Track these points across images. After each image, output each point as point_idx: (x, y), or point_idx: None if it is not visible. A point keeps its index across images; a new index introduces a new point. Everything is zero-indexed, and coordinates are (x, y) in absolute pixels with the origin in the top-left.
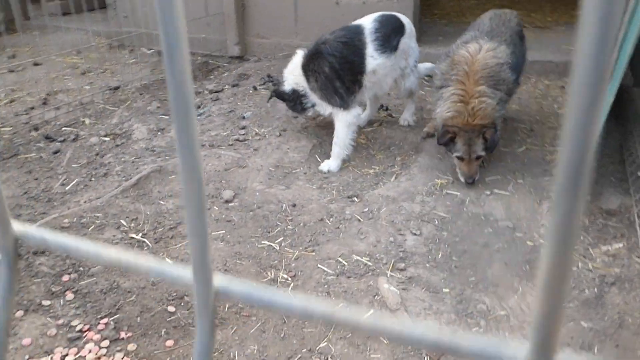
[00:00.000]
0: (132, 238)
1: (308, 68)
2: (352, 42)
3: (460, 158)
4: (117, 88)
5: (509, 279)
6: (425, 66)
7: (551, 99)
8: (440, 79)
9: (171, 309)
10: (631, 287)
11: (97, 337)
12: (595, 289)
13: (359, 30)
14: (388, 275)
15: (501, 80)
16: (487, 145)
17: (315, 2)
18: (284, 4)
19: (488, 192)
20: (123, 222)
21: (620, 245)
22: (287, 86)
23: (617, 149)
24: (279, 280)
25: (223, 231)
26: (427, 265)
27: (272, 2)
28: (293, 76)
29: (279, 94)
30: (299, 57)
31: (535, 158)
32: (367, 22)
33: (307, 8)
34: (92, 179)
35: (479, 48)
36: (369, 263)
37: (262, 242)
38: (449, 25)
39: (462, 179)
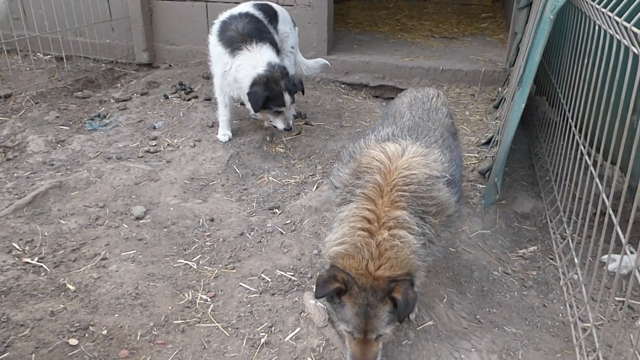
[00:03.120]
0: (27, 263)
1: None
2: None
3: (350, 333)
4: (8, 96)
5: (434, 287)
6: (317, 61)
7: (462, 107)
8: (341, 192)
9: (73, 342)
10: (548, 290)
11: None
12: (516, 293)
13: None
14: (314, 290)
15: (434, 206)
16: (396, 314)
17: (228, 8)
18: (195, 10)
19: None
20: (15, 245)
21: (535, 248)
22: None
23: (526, 154)
24: (197, 301)
25: (134, 251)
26: None
27: (182, 8)
28: None
29: None
30: None
31: None
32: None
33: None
34: None
35: (401, 151)
36: (294, 278)
37: (178, 261)
38: (363, 34)
39: None
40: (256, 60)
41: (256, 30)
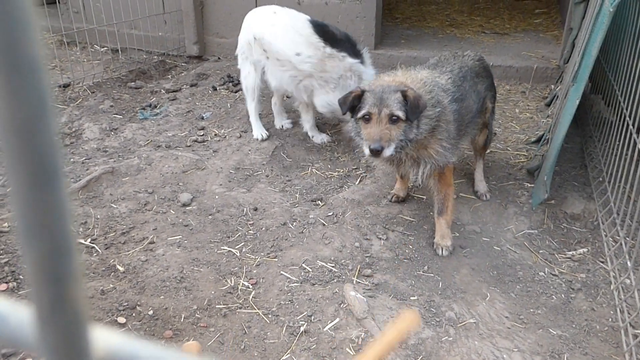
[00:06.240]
0: (80, 244)
1: None
2: None
3: (366, 118)
4: (67, 86)
5: (476, 285)
6: None
7: (512, 104)
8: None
9: (121, 320)
10: (597, 293)
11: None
12: (563, 295)
13: None
14: (354, 282)
15: (435, 96)
16: (407, 107)
17: (277, 2)
18: (245, 3)
19: (454, 196)
20: None
21: (585, 250)
22: None
23: (578, 153)
24: (239, 287)
25: (180, 236)
26: (394, 271)
27: (232, 1)
28: None
29: None
30: None
31: (499, 162)
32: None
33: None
34: None
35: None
36: (334, 269)
37: (222, 247)
38: (411, 29)
39: (365, 150)
40: None
41: None
